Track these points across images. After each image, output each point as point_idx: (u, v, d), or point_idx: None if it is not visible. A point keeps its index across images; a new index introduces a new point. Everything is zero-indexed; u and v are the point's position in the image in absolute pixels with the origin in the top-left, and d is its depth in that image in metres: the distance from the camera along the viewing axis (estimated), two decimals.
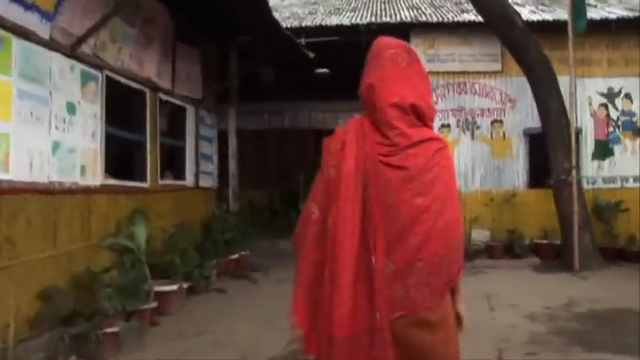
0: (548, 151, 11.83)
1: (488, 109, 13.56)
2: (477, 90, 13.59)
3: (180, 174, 11.04)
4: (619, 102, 13.59)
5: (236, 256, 11.27)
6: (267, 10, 9.80)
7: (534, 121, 13.18)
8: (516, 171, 13.50)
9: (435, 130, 12.15)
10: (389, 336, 2.25)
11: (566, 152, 11.61)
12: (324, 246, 2.36)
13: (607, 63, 13.61)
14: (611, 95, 13.64)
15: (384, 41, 2.55)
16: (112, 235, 7.37)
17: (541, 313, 7.76)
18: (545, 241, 12.55)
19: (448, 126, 13.48)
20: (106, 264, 7.16)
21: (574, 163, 11.54)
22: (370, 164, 2.35)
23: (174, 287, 7.73)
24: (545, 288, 9.61)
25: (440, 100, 13.50)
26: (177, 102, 10.66)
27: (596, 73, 13.48)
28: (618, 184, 13.39)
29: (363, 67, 2.52)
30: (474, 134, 13.50)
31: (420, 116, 2.42)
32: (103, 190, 7.49)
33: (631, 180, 13.40)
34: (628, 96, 13.61)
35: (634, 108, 13.64)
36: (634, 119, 13.67)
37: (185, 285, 8.14)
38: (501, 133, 13.52)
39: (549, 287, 9.69)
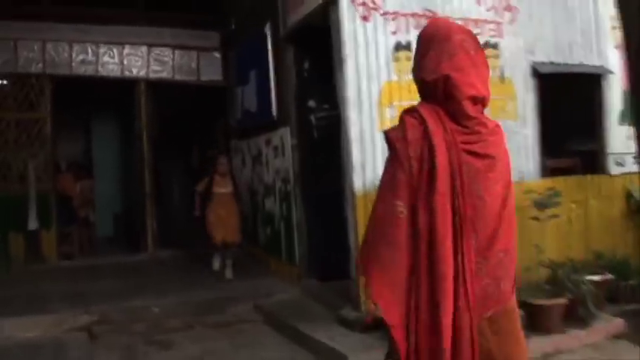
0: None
1: (476, 21, 6.74)
2: None
3: None
4: None
5: None
6: None
7: (549, 50, 7.18)
8: (523, 145, 6.94)
9: (387, 54, 6.29)
10: (474, 338, 2.21)
11: None
12: (416, 248, 2.21)
13: None
14: None
15: (448, 25, 2.45)
16: None
17: None
18: (598, 277, 6.29)
19: (407, 48, 6.28)
20: None
21: None
22: (454, 154, 2.21)
23: None
24: None
25: None
26: None
27: None
28: None
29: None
30: None
31: (485, 104, 2.34)
32: None
33: None
34: None
35: None
36: None
37: None
38: (497, 70, 6.83)
39: None
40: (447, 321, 2.15)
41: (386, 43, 6.17)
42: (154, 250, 10.30)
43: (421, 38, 2.41)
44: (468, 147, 2.24)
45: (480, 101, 2.29)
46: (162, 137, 11.62)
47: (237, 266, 8.40)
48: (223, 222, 8.34)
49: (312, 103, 7.58)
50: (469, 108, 2.24)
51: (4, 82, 9.89)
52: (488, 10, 6.80)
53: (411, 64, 5.99)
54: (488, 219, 2.23)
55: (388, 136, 2.30)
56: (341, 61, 5.98)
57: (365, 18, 6.09)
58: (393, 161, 2.27)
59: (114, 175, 12.96)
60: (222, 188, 8.49)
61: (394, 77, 6.19)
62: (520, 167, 6.85)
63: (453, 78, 2.24)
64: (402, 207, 2.21)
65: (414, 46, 6.01)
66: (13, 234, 9.46)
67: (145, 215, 10.37)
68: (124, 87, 10.68)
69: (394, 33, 6.22)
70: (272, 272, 8.33)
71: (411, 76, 5.98)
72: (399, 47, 6.22)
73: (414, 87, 6.12)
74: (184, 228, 12.50)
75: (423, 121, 2.24)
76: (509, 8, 6.93)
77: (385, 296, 2.22)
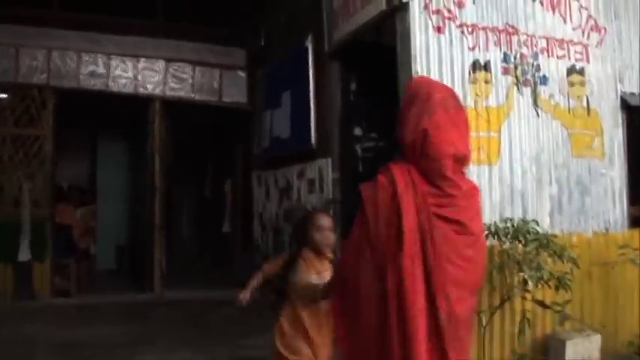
0: None
1: (561, 42, 5.72)
2: None
3: None
4: None
5: None
6: None
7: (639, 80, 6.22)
8: (610, 190, 5.87)
9: (464, 74, 5.20)
10: None
11: None
12: (384, 308, 2.21)
13: None
14: None
15: (429, 83, 2.52)
16: None
17: None
18: None
19: (485, 68, 5.25)
20: None
21: None
22: (424, 217, 2.20)
23: None
24: None
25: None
26: None
27: None
28: None
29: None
30: (538, 96, 5.52)
31: (464, 165, 2.34)
32: None
33: None
34: None
35: None
36: None
37: None
38: (583, 100, 5.78)
39: None
40: None
41: (462, 60, 5.13)
42: (162, 289, 9.08)
43: (404, 97, 2.42)
44: (438, 211, 2.21)
45: (461, 160, 2.27)
46: (174, 161, 10.57)
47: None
48: (309, 351, 3.56)
49: (358, 131, 6.54)
50: (448, 167, 2.21)
51: (3, 94, 8.83)
52: (574, 29, 5.80)
53: (489, 87, 5.07)
54: (459, 282, 2.21)
55: (362, 194, 2.30)
56: (410, 81, 4.92)
57: (439, 29, 5.06)
58: (361, 223, 2.28)
59: (119, 202, 11.73)
60: (317, 278, 3.51)
61: (470, 103, 5.14)
62: (606, 216, 5.81)
63: (431, 135, 2.21)
64: (368, 268, 2.23)
65: (493, 66, 5.06)
66: (1, 265, 8.28)
67: (152, 249, 9.18)
68: (136, 105, 9.60)
69: (472, 49, 5.19)
70: None
71: (487, 103, 5.14)
72: (476, 66, 5.18)
73: (492, 116, 5.17)
74: (195, 265, 11.42)
75: (393, 183, 2.23)
76: (596, 29, 5.93)
77: (352, 353, 2.30)
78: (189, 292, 9.11)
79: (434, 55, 5.01)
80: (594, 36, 5.92)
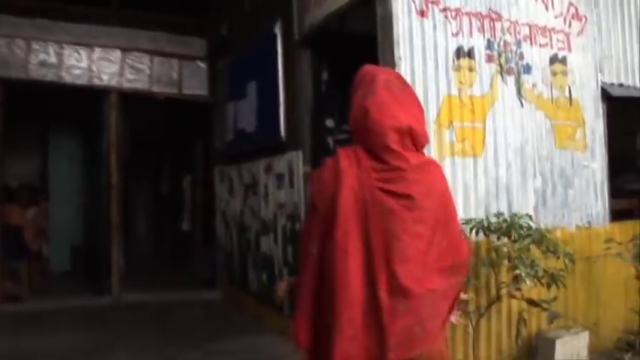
0: None
1: (543, 30, 5.52)
2: None
3: None
4: None
5: None
6: None
7: (618, 70, 6.10)
8: (592, 182, 5.70)
9: (448, 60, 4.88)
10: None
11: None
12: (323, 278, 2.23)
13: None
14: None
15: (374, 69, 2.53)
16: None
17: None
18: None
19: (469, 55, 5.00)
20: None
21: None
22: (368, 192, 2.21)
23: None
24: None
25: None
26: None
27: None
28: None
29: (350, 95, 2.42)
30: (522, 85, 5.30)
31: (415, 140, 2.31)
32: None
33: None
34: None
35: None
36: None
37: None
38: (566, 90, 5.60)
39: None
40: (342, 347, 2.10)
41: (446, 46, 4.85)
42: (120, 292, 8.58)
43: (353, 84, 2.43)
44: (383, 185, 2.20)
45: (407, 133, 2.26)
46: (130, 156, 10.05)
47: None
48: None
49: (330, 123, 6.24)
50: (392, 140, 2.22)
51: None
52: (556, 17, 5.60)
53: (473, 75, 4.82)
54: (409, 259, 2.15)
55: (311, 177, 2.44)
56: (392, 67, 4.61)
57: (422, 13, 4.76)
58: (310, 205, 2.34)
59: (73, 200, 11.08)
60: None
61: (454, 91, 4.88)
62: (588, 209, 5.63)
63: (372, 111, 2.25)
64: (314, 248, 2.25)
65: (477, 53, 4.81)
66: None
67: (110, 249, 8.67)
68: (91, 97, 8.98)
69: (455, 35, 4.92)
70: (268, 328, 6.82)
71: (471, 92, 4.90)
72: (460, 53, 4.92)
73: (477, 105, 4.92)
74: (153, 265, 10.96)
75: (337, 161, 2.26)
76: (577, 17, 5.74)
77: (299, 333, 2.28)
78: (148, 294, 8.66)
79: (417, 40, 4.71)
80: (575, 24, 5.73)
